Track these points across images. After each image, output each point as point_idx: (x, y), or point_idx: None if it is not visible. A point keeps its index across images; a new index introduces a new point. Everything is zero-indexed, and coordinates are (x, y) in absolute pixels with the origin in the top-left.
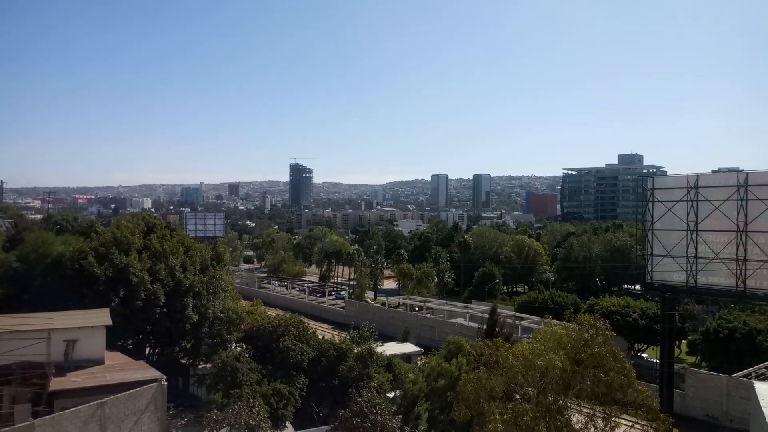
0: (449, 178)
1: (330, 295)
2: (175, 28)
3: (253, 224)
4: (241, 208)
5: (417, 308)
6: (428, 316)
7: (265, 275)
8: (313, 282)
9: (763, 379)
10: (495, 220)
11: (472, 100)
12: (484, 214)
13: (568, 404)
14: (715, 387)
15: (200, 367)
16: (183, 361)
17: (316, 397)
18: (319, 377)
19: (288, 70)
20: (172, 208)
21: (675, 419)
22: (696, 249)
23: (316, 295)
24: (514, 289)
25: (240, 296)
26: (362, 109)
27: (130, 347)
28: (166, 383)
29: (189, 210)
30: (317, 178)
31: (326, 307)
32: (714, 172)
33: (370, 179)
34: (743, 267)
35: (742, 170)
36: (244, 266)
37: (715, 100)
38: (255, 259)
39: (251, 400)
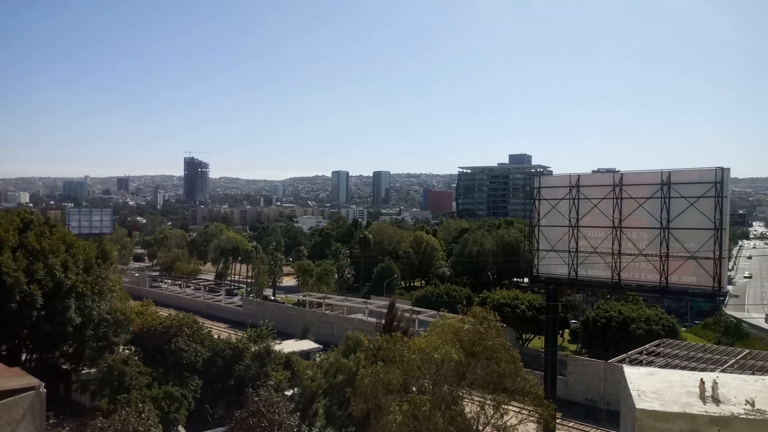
0: (350, 174)
1: (229, 294)
2: (63, 19)
3: (145, 220)
4: (131, 203)
5: (316, 305)
6: (328, 312)
7: (157, 274)
8: (208, 280)
9: (636, 364)
10: (394, 216)
11: (373, 97)
12: (383, 211)
13: (462, 394)
14: (594, 372)
15: (84, 372)
16: (65, 367)
17: (211, 398)
18: (214, 378)
19: (184, 64)
20: (53, 203)
21: (558, 404)
22: (577, 244)
23: (211, 294)
24: (412, 284)
25: (129, 296)
26: (261, 104)
27: (3, 353)
28: (45, 390)
29: (72, 205)
30: (214, 173)
31: (222, 305)
32: (594, 172)
33: (269, 175)
34: (618, 260)
35: (618, 171)
36: (134, 265)
37: (599, 101)
38: (146, 257)
39: (140, 405)
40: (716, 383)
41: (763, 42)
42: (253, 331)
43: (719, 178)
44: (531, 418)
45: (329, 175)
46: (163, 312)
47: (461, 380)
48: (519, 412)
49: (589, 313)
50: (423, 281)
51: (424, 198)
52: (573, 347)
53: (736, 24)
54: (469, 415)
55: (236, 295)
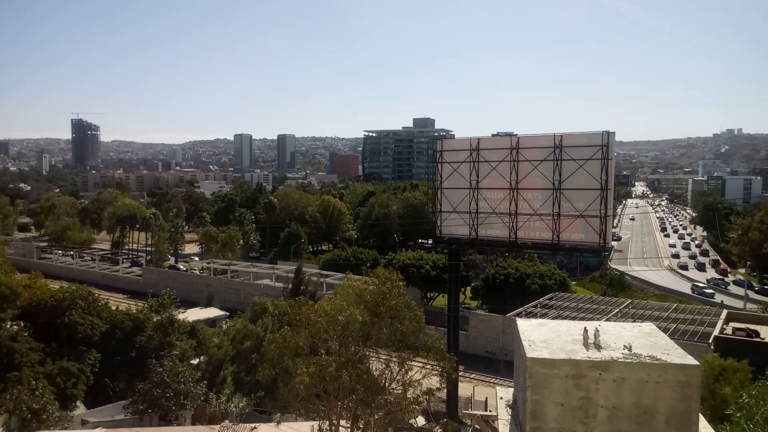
0: (253, 138)
1: (135, 264)
2: None
3: (29, 187)
4: (12, 169)
5: (222, 272)
6: (233, 279)
7: (45, 244)
8: (104, 250)
9: (531, 316)
10: (300, 180)
11: (275, 58)
12: (289, 175)
13: (368, 353)
14: (493, 326)
15: None
16: None
17: (111, 371)
18: (114, 350)
19: (70, 12)
20: None
21: (460, 357)
22: (477, 205)
23: (108, 264)
24: (320, 248)
25: (15, 269)
26: (157, 64)
27: None
28: None
29: None
30: (106, 136)
31: (121, 275)
32: (494, 135)
33: (167, 138)
34: (515, 220)
35: (515, 134)
36: (19, 235)
37: (501, 68)
38: (32, 227)
39: (33, 383)
40: (598, 331)
41: (647, 14)
42: (155, 300)
43: (605, 142)
44: (434, 372)
45: (231, 138)
46: (55, 285)
47: (367, 340)
48: (423, 366)
49: (489, 271)
50: (330, 245)
51: (330, 162)
52: (474, 303)
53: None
54: (375, 373)
55: (138, 264)
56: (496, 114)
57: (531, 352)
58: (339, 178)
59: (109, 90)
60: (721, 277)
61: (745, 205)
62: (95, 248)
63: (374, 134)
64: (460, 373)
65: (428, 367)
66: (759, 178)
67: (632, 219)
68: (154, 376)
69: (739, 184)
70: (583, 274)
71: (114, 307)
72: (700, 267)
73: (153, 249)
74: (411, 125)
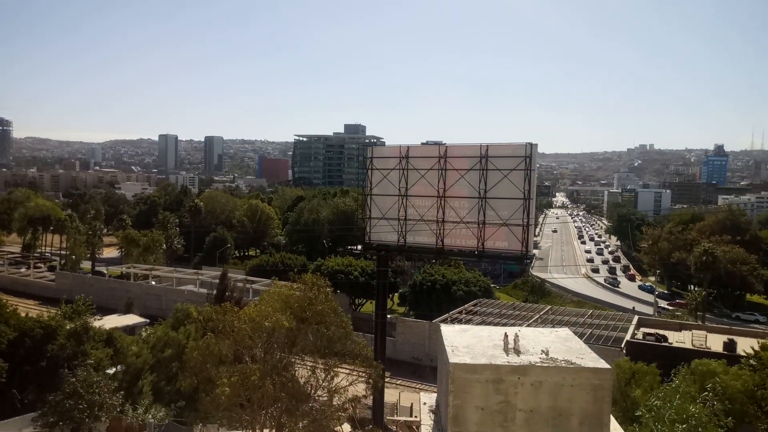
0: (179, 138)
1: (39, 267)
2: None
3: None
4: None
5: (142, 277)
6: (155, 284)
7: None
8: (14, 253)
9: (457, 322)
10: (228, 184)
11: (203, 59)
12: (216, 178)
13: (294, 360)
14: (420, 332)
15: None
16: None
17: (19, 382)
18: (22, 360)
19: None
20: None
21: (387, 363)
22: (405, 212)
23: (18, 268)
24: (247, 254)
25: None
26: (77, 59)
27: None
28: None
29: None
30: (18, 133)
31: (31, 280)
32: (423, 144)
33: (86, 136)
34: (442, 228)
35: (444, 143)
36: None
37: (431, 77)
38: None
39: None
40: (518, 336)
41: (567, 32)
42: (68, 307)
43: (528, 153)
44: (361, 379)
45: (156, 138)
46: None
47: (293, 347)
48: (349, 373)
49: (417, 278)
50: (258, 250)
51: (259, 165)
52: (402, 310)
53: (544, 12)
54: (301, 380)
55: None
56: (427, 122)
57: (454, 358)
58: (268, 183)
59: (23, 84)
60: (614, 277)
61: (655, 217)
62: (4, 251)
63: (305, 139)
64: (387, 380)
65: (355, 373)
66: (668, 191)
67: (554, 231)
68: (66, 387)
69: (650, 196)
70: (507, 281)
71: (23, 314)
72: (612, 271)
73: (68, 253)
74: (342, 131)
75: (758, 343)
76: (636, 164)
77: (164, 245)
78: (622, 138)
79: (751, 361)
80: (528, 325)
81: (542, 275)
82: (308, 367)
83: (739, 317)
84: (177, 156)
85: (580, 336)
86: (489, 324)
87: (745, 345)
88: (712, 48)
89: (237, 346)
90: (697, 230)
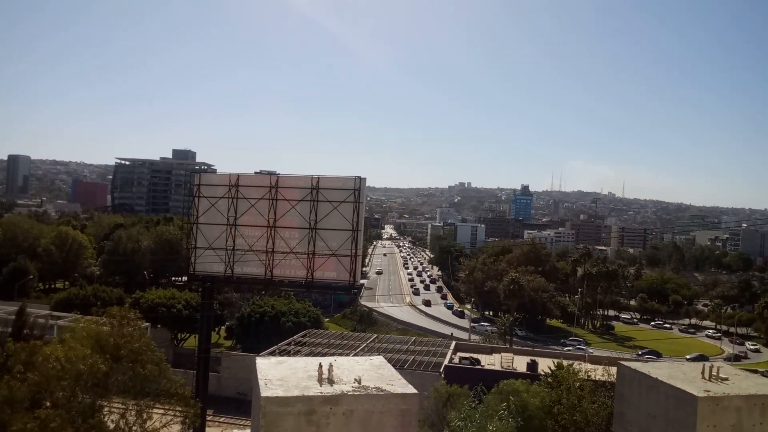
0: None
1: None
2: None
3: None
4: None
5: None
6: None
7: None
8: None
9: (285, 354)
10: (34, 208)
11: (9, 73)
12: (20, 201)
13: (105, 403)
14: (246, 366)
15: None
16: None
17: None
18: None
19: None
20: None
21: (211, 400)
22: (234, 242)
23: None
24: (53, 286)
25: None
26: None
27: None
28: None
29: None
30: None
31: None
32: (256, 173)
33: None
34: (271, 258)
35: (277, 173)
36: None
37: (270, 99)
38: None
39: None
40: (332, 366)
41: (411, 77)
42: None
43: (357, 186)
44: (177, 420)
45: None
46: None
47: (102, 388)
48: (164, 414)
49: (245, 309)
50: (67, 282)
51: (72, 189)
52: (229, 343)
53: (381, 53)
54: (111, 425)
55: None
56: (262, 151)
57: (266, 391)
58: (83, 208)
59: None
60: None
61: (471, 249)
62: None
63: (127, 162)
64: (210, 417)
65: (170, 414)
66: (483, 225)
67: (384, 255)
68: None
69: (467, 230)
70: (336, 310)
71: None
72: (429, 302)
73: None
74: (170, 156)
75: (554, 363)
76: (456, 200)
77: None
78: (444, 175)
79: (548, 379)
80: (355, 354)
81: (370, 304)
82: (118, 411)
83: (564, 343)
84: None
85: (403, 363)
86: (318, 354)
87: (545, 365)
88: (519, 99)
89: (36, 389)
90: (506, 261)
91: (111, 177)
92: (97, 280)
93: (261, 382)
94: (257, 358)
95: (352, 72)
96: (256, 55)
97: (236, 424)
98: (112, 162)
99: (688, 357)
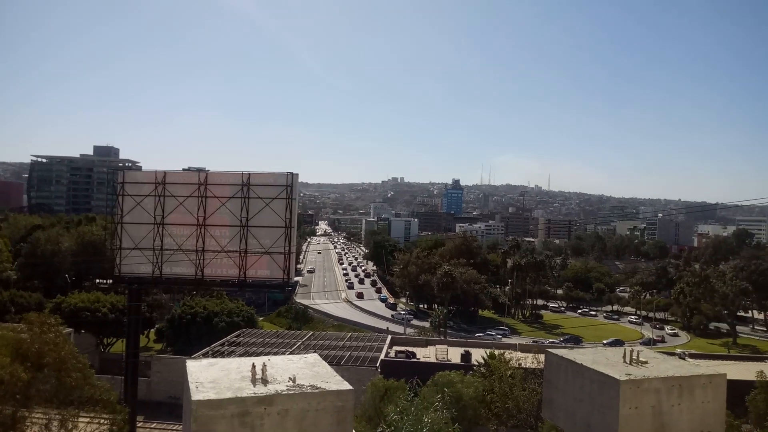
0: None
1: None
2: None
3: None
4: None
5: None
6: None
7: None
8: None
9: (219, 355)
10: None
11: None
12: None
13: (25, 413)
14: (177, 369)
15: None
16: None
17: None
18: None
19: None
20: None
21: (141, 406)
22: (162, 242)
23: None
24: None
25: None
26: None
27: None
28: None
29: None
30: None
31: None
32: (184, 170)
33: None
34: (202, 257)
35: (206, 170)
36: None
37: (193, 101)
38: None
39: None
40: (265, 365)
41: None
42: None
43: (290, 182)
44: (104, 427)
45: None
46: None
47: (24, 398)
48: (90, 422)
49: (175, 311)
50: None
51: None
52: (159, 346)
53: (318, 58)
54: None
55: None
56: (190, 148)
57: (196, 395)
58: None
59: None
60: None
61: (405, 243)
62: None
63: (45, 160)
64: (140, 423)
65: (96, 421)
66: (416, 219)
67: (319, 253)
68: None
69: (401, 224)
70: (271, 309)
71: None
72: (360, 296)
73: None
74: (91, 153)
75: (486, 353)
76: (389, 195)
77: None
78: (377, 171)
79: (481, 369)
80: (291, 353)
81: (305, 302)
82: (41, 421)
83: (487, 332)
84: None
85: (339, 359)
86: (252, 354)
87: (478, 355)
88: (448, 96)
89: None
90: (439, 255)
91: (27, 175)
92: (13, 285)
93: (192, 386)
94: (188, 360)
95: (285, 71)
96: (183, 51)
97: (168, 429)
98: (27, 159)
99: (605, 342)
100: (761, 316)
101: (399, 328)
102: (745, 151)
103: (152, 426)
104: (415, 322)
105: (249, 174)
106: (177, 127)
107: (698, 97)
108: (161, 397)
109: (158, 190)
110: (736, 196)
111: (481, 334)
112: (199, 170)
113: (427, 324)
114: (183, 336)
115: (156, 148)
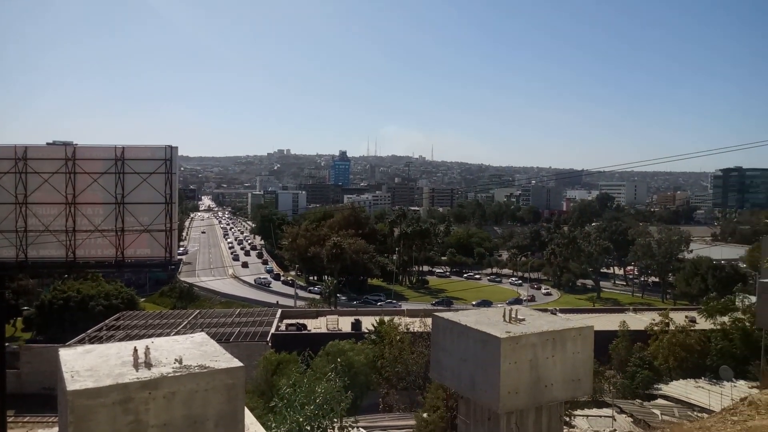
0: None
1: None
2: None
3: None
4: None
5: None
6: None
7: None
8: None
9: (97, 340)
10: None
11: None
12: None
13: None
14: (50, 359)
15: None
16: None
17: None
18: None
19: None
20: None
21: (11, 400)
22: (26, 222)
23: None
24: None
25: None
26: None
27: None
28: None
29: None
30: None
31: None
32: (49, 144)
33: None
34: (73, 238)
35: (75, 144)
36: None
37: (62, 72)
38: None
39: None
40: (149, 349)
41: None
42: None
43: (169, 156)
44: None
45: None
46: None
47: None
48: None
49: (45, 297)
50: None
51: None
52: (28, 335)
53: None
54: None
55: None
56: (56, 124)
57: (72, 385)
58: None
59: None
60: (267, 277)
61: (294, 216)
62: None
63: None
64: (11, 419)
65: None
66: (304, 192)
67: (203, 232)
68: None
69: (289, 197)
70: (154, 289)
71: None
72: (245, 266)
73: None
74: None
75: (376, 320)
76: (275, 168)
77: None
78: (262, 143)
79: (372, 336)
80: (176, 333)
81: (191, 280)
82: None
83: (367, 299)
84: None
85: (229, 335)
86: (134, 338)
87: (369, 323)
88: (329, 68)
89: None
90: (328, 226)
91: None
92: None
93: (66, 375)
94: (61, 349)
95: (160, 34)
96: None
97: (43, 422)
98: None
99: (473, 303)
100: (621, 272)
101: (274, 297)
102: (608, 122)
103: (25, 420)
104: (302, 293)
105: (123, 148)
106: (42, 100)
107: (566, 74)
108: (34, 389)
109: (19, 166)
110: (600, 163)
111: (358, 302)
112: (66, 144)
113: (317, 297)
114: (55, 323)
115: (15, 122)
